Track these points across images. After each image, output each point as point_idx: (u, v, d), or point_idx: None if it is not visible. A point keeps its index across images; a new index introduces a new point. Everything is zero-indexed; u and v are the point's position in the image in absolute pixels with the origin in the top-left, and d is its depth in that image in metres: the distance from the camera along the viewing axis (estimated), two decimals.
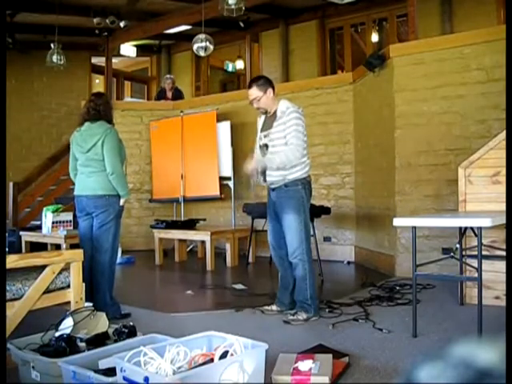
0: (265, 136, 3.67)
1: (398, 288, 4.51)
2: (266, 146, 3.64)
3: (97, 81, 11.42)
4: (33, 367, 2.31)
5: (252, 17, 8.34)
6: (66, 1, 7.46)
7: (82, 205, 3.80)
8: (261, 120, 3.78)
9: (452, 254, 3.60)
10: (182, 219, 7.08)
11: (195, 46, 6.75)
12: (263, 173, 3.68)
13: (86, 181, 3.76)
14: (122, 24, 7.73)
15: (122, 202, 3.77)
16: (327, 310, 3.75)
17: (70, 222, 6.12)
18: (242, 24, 8.33)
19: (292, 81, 8.35)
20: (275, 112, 3.62)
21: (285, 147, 3.51)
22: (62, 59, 7.42)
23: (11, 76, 8.64)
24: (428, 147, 5.18)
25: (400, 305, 3.94)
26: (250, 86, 3.67)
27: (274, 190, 3.66)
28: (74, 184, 3.96)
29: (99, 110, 3.80)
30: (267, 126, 3.67)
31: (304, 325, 3.47)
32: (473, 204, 3.90)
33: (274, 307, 3.77)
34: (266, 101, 3.62)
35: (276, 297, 3.85)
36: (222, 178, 7.11)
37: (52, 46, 7.45)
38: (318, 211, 5.48)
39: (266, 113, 3.70)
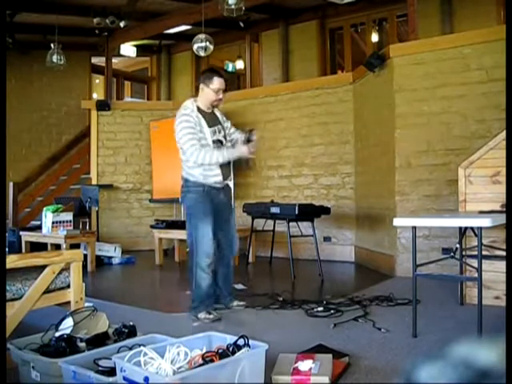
0: (216, 132, 3.68)
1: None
2: (220, 141, 3.70)
3: (97, 81, 11.42)
4: (33, 367, 2.31)
5: (252, 17, 8.33)
6: (66, 1, 7.46)
7: None
8: (196, 116, 3.61)
9: (452, 254, 3.59)
10: (182, 219, 7.08)
11: (195, 46, 6.75)
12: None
13: None
14: (122, 24, 7.72)
15: None
16: (330, 311, 3.75)
17: (70, 221, 6.12)
18: (241, 24, 8.32)
19: (292, 81, 8.35)
20: (213, 111, 3.76)
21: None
22: (62, 59, 7.42)
23: (11, 76, 8.64)
24: (428, 147, 5.18)
25: (400, 305, 3.94)
26: (223, 76, 3.69)
27: (220, 189, 3.71)
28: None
29: None
30: (212, 122, 3.69)
31: (304, 325, 3.47)
32: (473, 204, 3.90)
33: (211, 315, 3.53)
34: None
35: (212, 304, 3.72)
36: None
37: (52, 46, 7.45)
38: (317, 211, 5.48)
39: (212, 108, 3.73)
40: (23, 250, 6.42)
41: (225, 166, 3.65)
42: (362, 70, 6.11)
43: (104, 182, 8.01)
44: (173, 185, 7.52)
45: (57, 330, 2.56)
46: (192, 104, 3.62)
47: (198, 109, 3.62)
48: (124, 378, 2.00)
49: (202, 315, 3.53)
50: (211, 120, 3.67)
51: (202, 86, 3.63)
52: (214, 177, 3.62)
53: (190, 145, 3.50)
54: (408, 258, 4.72)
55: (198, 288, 3.58)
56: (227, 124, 3.86)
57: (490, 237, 3.71)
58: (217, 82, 3.59)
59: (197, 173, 3.62)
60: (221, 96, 3.61)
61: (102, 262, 6.54)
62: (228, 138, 3.81)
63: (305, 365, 2.36)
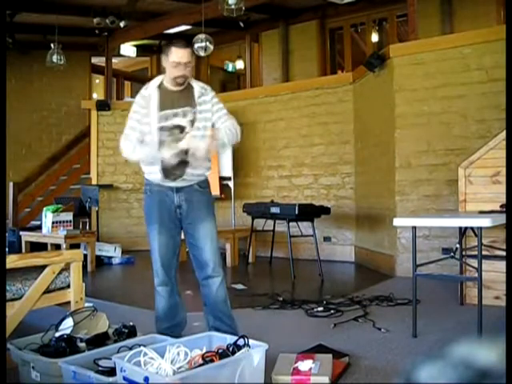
0: (177, 116, 2.77)
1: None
2: (181, 128, 2.76)
3: (97, 81, 11.42)
4: (33, 367, 2.31)
5: (252, 17, 8.33)
6: (66, 1, 7.46)
7: None
8: (149, 95, 2.84)
9: (452, 254, 3.59)
10: None
11: (195, 46, 6.75)
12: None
13: None
14: (121, 24, 7.72)
15: None
16: (330, 311, 3.75)
17: (70, 221, 6.12)
18: (241, 24, 8.33)
19: (292, 81, 8.35)
20: (189, 86, 2.84)
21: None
22: (62, 59, 7.42)
23: (11, 76, 8.64)
24: (428, 147, 5.18)
25: (400, 305, 3.94)
26: (184, 46, 2.75)
27: (179, 189, 2.81)
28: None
29: None
30: (174, 103, 2.78)
31: (304, 325, 3.47)
32: (473, 204, 3.90)
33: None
34: (191, 71, 2.82)
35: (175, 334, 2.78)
36: (222, 178, 7.11)
37: (52, 46, 7.45)
38: (317, 211, 5.48)
39: (181, 85, 2.80)
40: (23, 250, 6.42)
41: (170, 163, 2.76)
42: (362, 69, 6.11)
43: (104, 182, 8.01)
44: None
45: (57, 330, 2.56)
46: (157, 80, 2.87)
47: (161, 86, 2.83)
48: (124, 378, 2.00)
49: None
50: (175, 100, 2.78)
51: (162, 58, 2.81)
52: (152, 174, 2.87)
53: (124, 134, 2.86)
54: (408, 258, 4.72)
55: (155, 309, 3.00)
56: (208, 107, 2.87)
57: (490, 237, 3.71)
58: (174, 54, 2.70)
59: (142, 166, 2.95)
60: (183, 72, 2.73)
61: (101, 262, 6.54)
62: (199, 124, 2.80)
63: (305, 365, 2.36)
